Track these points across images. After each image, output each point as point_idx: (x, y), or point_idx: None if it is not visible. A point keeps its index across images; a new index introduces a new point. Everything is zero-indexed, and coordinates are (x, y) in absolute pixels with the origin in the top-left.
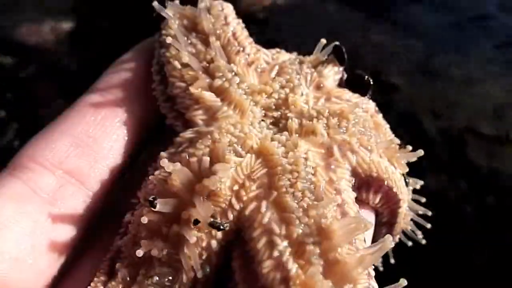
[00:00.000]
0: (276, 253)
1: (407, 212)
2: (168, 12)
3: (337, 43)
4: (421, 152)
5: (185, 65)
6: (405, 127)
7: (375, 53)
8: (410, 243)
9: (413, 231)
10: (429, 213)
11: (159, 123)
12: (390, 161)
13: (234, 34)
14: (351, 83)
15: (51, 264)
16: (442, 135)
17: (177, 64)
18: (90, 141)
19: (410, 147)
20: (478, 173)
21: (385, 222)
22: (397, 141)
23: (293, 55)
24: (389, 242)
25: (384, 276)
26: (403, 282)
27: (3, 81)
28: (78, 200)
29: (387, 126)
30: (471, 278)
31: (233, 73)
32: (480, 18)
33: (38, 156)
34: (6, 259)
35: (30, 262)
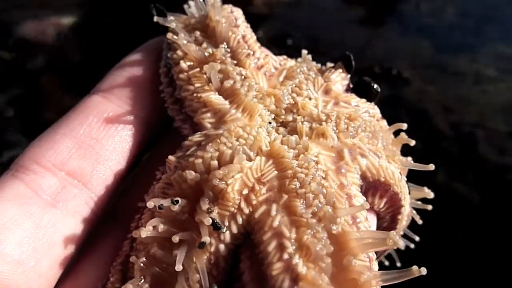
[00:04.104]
0: (286, 256)
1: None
2: (176, 26)
3: (346, 52)
4: (431, 167)
5: (193, 68)
6: (415, 121)
7: (386, 47)
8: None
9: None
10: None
11: (164, 124)
12: (397, 167)
13: (243, 37)
14: (359, 89)
15: (53, 266)
16: (453, 130)
17: (184, 66)
18: (92, 143)
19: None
20: (488, 168)
21: (385, 227)
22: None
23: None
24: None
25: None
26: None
27: (7, 76)
28: (81, 202)
29: (391, 132)
30: (478, 271)
31: (242, 76)
32: (491, 16)
33: (41, 157)
34: (8, 262)
35: (31, 264)
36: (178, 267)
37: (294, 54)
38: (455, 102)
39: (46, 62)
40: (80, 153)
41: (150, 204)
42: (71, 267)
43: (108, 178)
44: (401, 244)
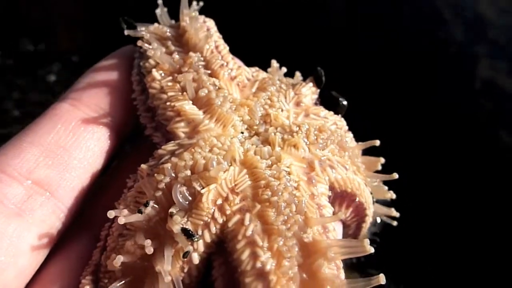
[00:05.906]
0: (258, 264)
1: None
2: (148, 37)
3: (318, 68)
4: (394, 176)
5: (165, 77)
6: (455, 5)
7: None
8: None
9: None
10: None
11: (134, 130)
12: (362, 178)
13: (217, 47)
14: (327, 103)
15: (18, 276)
16: (501, 16)
17: (157, 75)
18: (60, 151)
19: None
20: None
21: (350, 234)
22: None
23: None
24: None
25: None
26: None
27: None
28: (48, 211)
29: (360, 147)
30: None
31: (216, 87)
32: None
33: (6, 166)
34: None
35: None
36: (167, 279)
37: None
38: None
39: None
40: (47, 161)
41: (121, 220)
42: (37, 276)
43: (76, 187)
44: (372, 250)
